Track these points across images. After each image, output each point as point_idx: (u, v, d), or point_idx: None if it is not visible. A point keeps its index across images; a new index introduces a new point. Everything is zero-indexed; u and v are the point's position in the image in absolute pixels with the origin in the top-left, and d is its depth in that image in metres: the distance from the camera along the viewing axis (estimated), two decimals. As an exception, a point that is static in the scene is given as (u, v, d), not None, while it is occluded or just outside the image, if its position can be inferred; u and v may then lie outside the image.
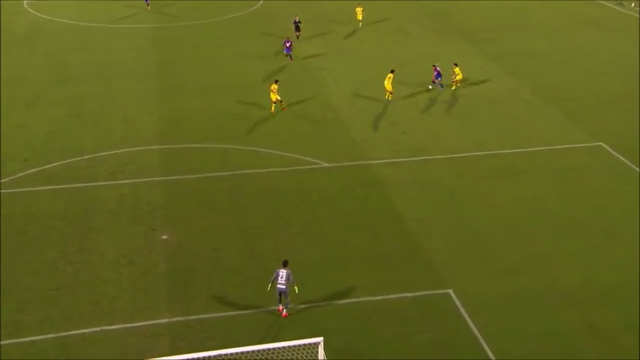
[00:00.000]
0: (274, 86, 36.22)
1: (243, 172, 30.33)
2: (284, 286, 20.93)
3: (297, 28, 47.47)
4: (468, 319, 21.50)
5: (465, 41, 48.97)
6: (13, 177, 29.47)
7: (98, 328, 20.64)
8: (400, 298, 22.46)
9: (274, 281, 21.12)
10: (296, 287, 21.26)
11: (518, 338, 20.87)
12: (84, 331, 20.51)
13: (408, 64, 44.45)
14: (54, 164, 30.67)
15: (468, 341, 20.69)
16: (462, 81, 39.44)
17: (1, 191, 28.27)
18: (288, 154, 32.11)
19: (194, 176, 29.95)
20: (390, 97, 38.25)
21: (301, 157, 31.87)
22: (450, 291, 22.81)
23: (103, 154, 31.81)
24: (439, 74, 39.64)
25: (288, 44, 43.47)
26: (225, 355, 18.12)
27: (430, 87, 40.07)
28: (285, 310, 21.27)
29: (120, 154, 31.75)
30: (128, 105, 37.63)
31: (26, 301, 21.80)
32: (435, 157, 32.24)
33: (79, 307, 21.63)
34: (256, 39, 49.03)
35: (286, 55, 43.53)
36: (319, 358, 17.65)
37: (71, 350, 19.76)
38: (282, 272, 21.01)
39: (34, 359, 19.35)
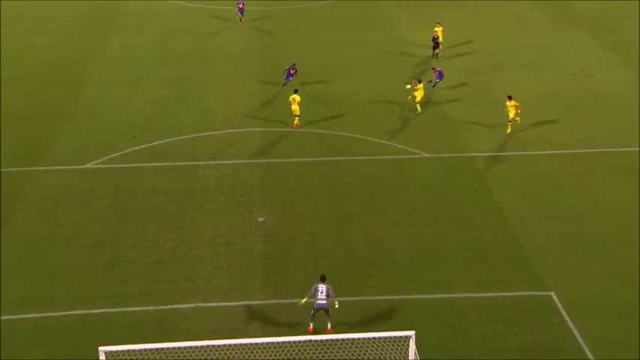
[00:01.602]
0: (295, 97, 32.54)
1: (341, 158, 30.49)
2: (324, 302, 19.66)
3: (437, 45, 41.65)
4: (571, 325, 20.66)
5: (583, 30, 46.75)
6: (122, 152, 31.07)
7: (194, 305, 21.49)
8: (498, 297, 21.91)
9: (311, 297, 19.92)
10: (336, 302, 19.98)
11: (626, 348, 19.82)
12: (180, 306, 21.41)
13: (519, 53, 43.06)
14: (159, 142, 32.09)
15: (569, 347, 19.89)
16: (517, 117, 32.29)
17: (112, 166, 29.91)
18: (388, 143, 31.96)
19: (292, 160, 30.42)
20: (418, 107, 34.61)
21: (401, 146, 31.64)
22: (552, 293, 21.99)
23: (205, 134, 32.95)
24: (441, 75, 36.67)
25: (292, 71, 36.96)
26: (316, 341, 18.42)
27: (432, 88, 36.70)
28: (329, 325, 20.21)
29: (221, 135, 32.74)
30: (230, 86, 38.72)
31: (129, 273, 23.00)
32: (543, 152, 31.09)
33: (177, 282, 22.59)
34: (356, 25, 49.04)
35: (285, 81, 36.88)
36: (410, 352, 17.56)
37: (168, 323, 20.70)
38: (322, 287, 19.71)
39: (135, 329, 20.40)
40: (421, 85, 34.85)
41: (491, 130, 33.01)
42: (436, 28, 42.97)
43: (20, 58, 43.24)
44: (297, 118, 33.00)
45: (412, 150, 31.25)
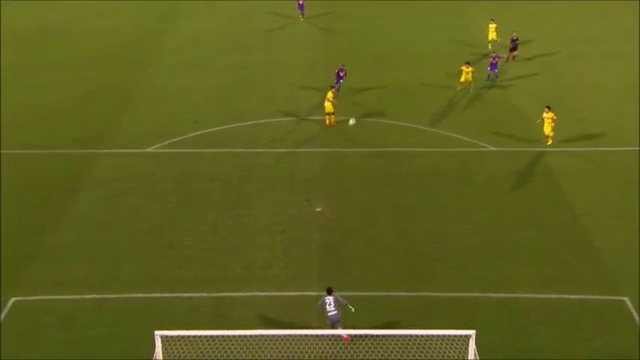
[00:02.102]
0: (329, 94, 31.50)
1: (404, 149, 30.08)
2: (334, 312, 18.86)
3: (515, 47, 38.76)
4: (646, 332, 19.77)
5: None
6: (182, 137, 31.47)
7: (249, 293, 21.58)
8: (565, 299, 21.15)
9: (323, 311, 19.12)
10: (351, 307, 19.09)
11: None
12: (236, 294, 21.51)
13: (601, 42, 41.45)
14: (219, 128, 32.35)
15: (643, 356, 19.05)
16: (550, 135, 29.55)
17: (172, 150, 30.34)
18: (453, 135, 31.33)
19: (352, 150, 30.19)
20: (464, 86, 35.23)
21: (466, 138, 30.97)
22: (626, 299, 21.04)
23: (265, 121, 33.04)
24: (494, 65, 35.49)
25: (342, 73, 34.83)
26: (373, 335, 18.22)
27: (492, 77, 36.02)
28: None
29: (281, 123, 32.72)
30: (293, 74, 38.71)
31: (187, 258, 23.29)
32: (620, 148, 29.86)
33: (233, 269, 22.73)
34: (429, 13, 48.22)
35: (336, 86, 34.18)
36: (470, 351, 17.17)
37: (223, 310, 20.86)
38: (329, 299, 19.02)
39: (191, 314, 20.64)
40: (470, 68, 34.83)
41: (563, 124, 31.88)
42: (490, 25, 40.62)
43: (89, 40, 44.40)
44: (329, 116, 31.63)
45: (478, 142, 30.54)
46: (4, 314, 20.59)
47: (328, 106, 31.64)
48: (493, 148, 30.12)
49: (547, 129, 29.43)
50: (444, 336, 17.61)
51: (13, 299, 21.20)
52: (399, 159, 29.34)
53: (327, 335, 18.83)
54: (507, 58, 39.04)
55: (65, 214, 25.62)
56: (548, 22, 45.77)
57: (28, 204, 26.30)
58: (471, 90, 35.41)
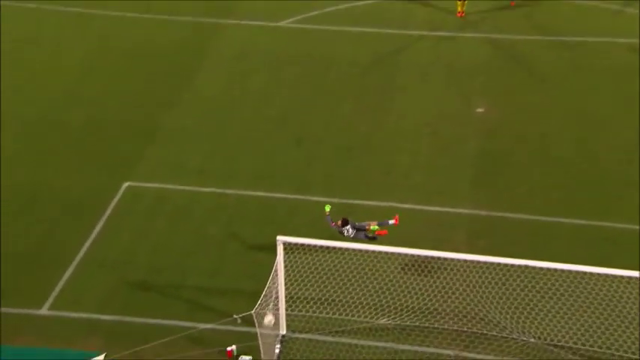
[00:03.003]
0: None
1: (596, 39, 28.43)
2: (353, 234, 18.71)
3: None
4: None
5: None
6: (321, 11, 31.00)
7: (387, 203, 21.17)
8: None
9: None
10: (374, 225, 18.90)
11: None
12: (370, 202, 21.13)
13: None
14: (366, 1, 31.51)
15: None
16: None
17: (308, 26, 29.94)
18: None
19: (529, 38, 28.88)
20: None
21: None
22: None
23: (422, -3, 31.79)
24: None
25: None
26: (527, 266, 17.34)
27: None
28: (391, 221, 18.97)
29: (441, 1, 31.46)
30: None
31: (315, 156, 23.18)
32: None
33: (369, 174, 22.37)
34: None
35: None
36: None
37: (354, 220, 20.67)
38: (346, 228, 18.69)
39: (316, 220, 20.06)
40: None
41: None
42: None
43: None
44: (462, 3, 30.10)
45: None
46: (116, 199, 21.59)
47: None
48: None
49: None
50: (625, 277, 16.43)
51: (127, 184, 22.11)
52: (589, 52, 27.77)
53: (481, 262, 18.07)
54: None
55: (184, 93, 26.09)
56: None
57: (146, 77, 27.04)
58: None
